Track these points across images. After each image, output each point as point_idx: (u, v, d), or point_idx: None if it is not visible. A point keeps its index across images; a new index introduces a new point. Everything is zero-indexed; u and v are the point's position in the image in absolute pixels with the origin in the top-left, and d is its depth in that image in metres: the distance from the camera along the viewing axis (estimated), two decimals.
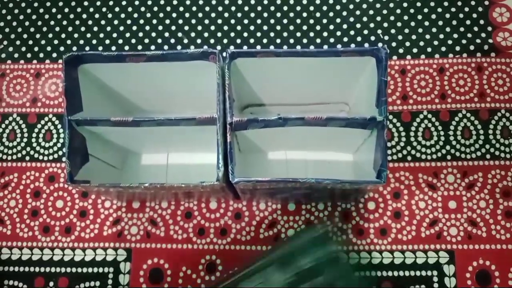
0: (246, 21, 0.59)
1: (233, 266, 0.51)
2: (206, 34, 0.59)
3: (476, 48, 0.56)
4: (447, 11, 0.58)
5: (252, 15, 0.60)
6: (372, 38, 0.57)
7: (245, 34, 0.59)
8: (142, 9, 0.61)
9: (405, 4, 0.58)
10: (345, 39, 0.58)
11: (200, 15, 0.60)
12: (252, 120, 0.41)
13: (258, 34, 0.59)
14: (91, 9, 0.61)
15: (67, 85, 0.42)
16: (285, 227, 0.52)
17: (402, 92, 0.55)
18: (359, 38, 0.58)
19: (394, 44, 0.57)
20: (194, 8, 0.60)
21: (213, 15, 0.60)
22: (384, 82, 0.39)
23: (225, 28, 0.59)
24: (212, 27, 0.59)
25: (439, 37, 0.57)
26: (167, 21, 0.60)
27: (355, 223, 0.52)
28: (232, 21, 0.59)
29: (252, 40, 0.59)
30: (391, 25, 0.58)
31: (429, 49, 0.57)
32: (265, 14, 0.59)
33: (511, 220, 0.51)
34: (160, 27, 0.60)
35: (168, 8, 0.61)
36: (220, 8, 0.60)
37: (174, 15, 0.60)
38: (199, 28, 0.60)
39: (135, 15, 0.60)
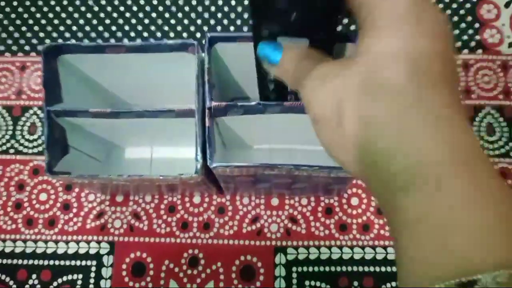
0: (226, 8, 0.59)
1: (215, 260, 0.51)
2: (186, 21, 0.59)
3: (463, 45, 0.56)
4: (447, 7, 0.57)
5: (233, 2, 0.59)
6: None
7: (225, 22, 0.59)
8: (129, 2, 0.60)
9: None
10: None
11: (180, 2, 0.60)
12: (232, 105, 0.40)
13: (238, 22, 0.59)
14: (77, 2, 0.61)
15: (46, 76, 0.42)
16: (268, 222, 0.52)
17: None
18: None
19: None
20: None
21: (193, 2, 0.59)
22: None
23: (206, 15, 0.59)
24: (193, 14, 0.59)
25: None
26: (147, 8, 0.60)
27: (338, 218, 0.52)
28: (213, 8, 0.59)
29: (232, 28, 0.58)
30: None
31: None
32: (246, 2, 0.59)
33: None
34: (141, 14, 0.60)
35: None
36: None
37: (154, 2, 0.60)
38: (180, 15, 0.59)
39: (121, 8, 0.60)
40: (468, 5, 0.57)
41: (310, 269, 0.51)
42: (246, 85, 0.48)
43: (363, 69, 0.22)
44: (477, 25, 0.57)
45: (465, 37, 0.56)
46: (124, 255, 0.52)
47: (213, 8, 0.59)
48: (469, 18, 0.57)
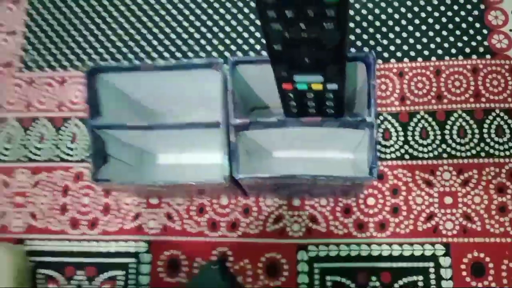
0: (252, 28, 0.63)
1: (243, 258, 0.56)
2: (215, 42, 0.64)
3: (472, 50, 0.59)
4: (443, 15, 0.60)
5: (253, 28, 0.64)
6: (372, 42, 0.61)
7: (252, 41, 0.63)
8: (157, 19, 0.65)
9: (402, 9, 0.61)
10: None
11: (209, 23, 0.64)
12: (254, 122, 0.45)
13: (258, 47, 0.63)
14: (110, 20, 0.66)
15: (89, 93, 0.47)
16: (290, 221, 0.56)
17: (400, 94, 0.59)
18: (359, 43, 0.61)
19: (392, 48, 0.60)
20: (204, 18, 0.65)
21: (221, 23, 0.64)
22: (372, 85, 0.42)
23: (234, 35, 0.64)
24: (221, 35, 0.64)
25: (435, 41, 0.60)
26: (179, 30, 0.65)
27: (356, 217, 0.56)
28: (240, 29, 0.64)
29: (258, 47, 0.63)
30: (389, 30, 0.61)
31: (426, 52, 0.59)
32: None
33: (505, 214, 0.54)
34: (173, 35, 0.65)
35: (180, 18, 0.65)
36: (228, 17, 0.64)
37: (185, 24, 0.65)
38: (209, 36, 0.64)
39: (150, 25, 0.65)
40: (476, 12, 0.60)
41: (331, 265, 0.55)
42: (266, 96, 0.52)
43: None
44: (485, 31, 0.59)
45: (473, 43, 0.59)
46: (160, 253, 0.57)
47: (240, 28, 0.64)
48: (477, 25, 0.59)
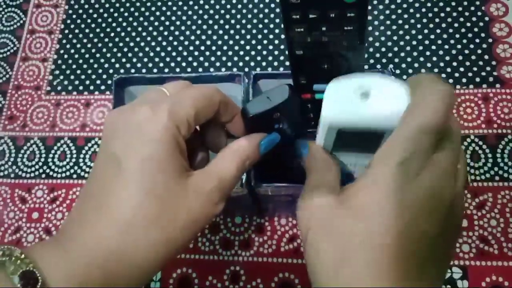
0: (271, 47, 0.67)
1: (256, 277, 0.55)
2: (235, 58, 0.67)
3: (481, 80, 0.61)
4: (453, 48, 0.63)
5: (276, 41, 0.67)
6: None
7: (270, 58, 0.67)
8: (181, 38, 0.70)
9: (414, 42, 0.65)
10: None
11: (231, 42, 0.68)
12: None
13: (281, 57, 0.66)
14: (136, 49, 0.70)
15: (115, 103, 0.49)
16: None
17: None
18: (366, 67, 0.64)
19: (404, 77, 0.63)
20: (226, 37, 0.69)
21: (242, 42, 0.68)
22: None
23: (253, 53, 0.67)
24: (241, 52, 0.68)
25: (446, 71, 0.62)
26: (202, 47, 0.69)
27: None
28: (259, 47, 0.67)
29: (276, 63, 0.66)
30: (402, 61, 0.64)
31: None
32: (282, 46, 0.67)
33: None
34: (196, 53, 0.69)
35: (203, 37, 0.69)
36: (248, 36, 0.68)
37: (208, 42, 0.69)
38: (230, 53, 0.68)
39: (180, 48, 0.69)
40: (484, 45, 0.63)
41: None
42: None
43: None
44: (493, 62, 0.62)
45: (483, 73, 0.61)
46: (172, 270, 0.57)
47: (259, 47, 0.68)
48: (486, 57, 0.62)
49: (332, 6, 0.34)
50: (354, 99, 0.34)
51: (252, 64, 0.67)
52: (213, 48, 0.69)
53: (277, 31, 0.68)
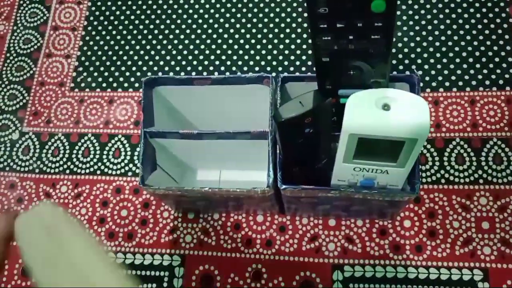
0: (298, 52, 0.68)
1: (277, 275, 0.56)
2: (263, 63, 0.68)
3: (505, 82, 0.61)
4: (477, 49, 0.63)
5: (304, 46, 0.68)
6: (407, 73, 0.63)
7: (297, 63, 0.67)
8: (208, 41, 0.70)
9: (437, 43, 0.65)
10: None
11: (258, 46, 0.69)
12: None
13: (309, 63, 0.67)
14: (158, 47, 0.71)
15: (145, 102, 0.50)
16: (326, 241, 0.57)
17: (436, 121, 0.61)
18: (394, 73, 0.64)
19: (427, 78, 0.63)
20: (253, 41, 0.69)
21: (269, 46, 0.69)
22: None
23: (280, 57, 0.68)
24: (269, 57, 0.68)
25: (469, 73, 0.62)
26: (229, 52, 0.69)
27: (392, 239, 0.56)
28: (286, 52, 0.68)
29: (304, 68, 0.66)
30: (424, 62, 0.64)
31: (460, 83, 0.62)
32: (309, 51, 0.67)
33: None
34: (223, 57, 0.69)
35: (231, 41, 0.70)
36: (275, 41, 0.69)
37: (235, 46, 0.69)
38: (257, 57, 0.68)
39: (202, 46, 0.70)
40: (508, 48, 0.63)
41: (366, 286, 0.54)
42: None
43: None
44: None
45: (507, 76, 0.61)
46: (194, 267, 0.58)
47: (286, 52, 0.68)
48: (510, 59, 0.62)
49: (360, 16, 0.34)
50: (375, 109, 0.35)
51: (280, 69, 0.67)
52: (240, 52, 0.69)
53: (305, 36, 0.68)
